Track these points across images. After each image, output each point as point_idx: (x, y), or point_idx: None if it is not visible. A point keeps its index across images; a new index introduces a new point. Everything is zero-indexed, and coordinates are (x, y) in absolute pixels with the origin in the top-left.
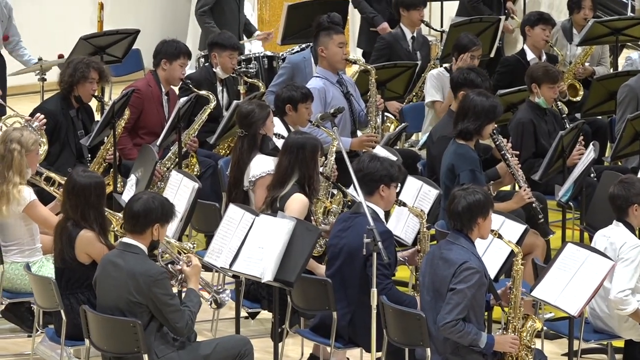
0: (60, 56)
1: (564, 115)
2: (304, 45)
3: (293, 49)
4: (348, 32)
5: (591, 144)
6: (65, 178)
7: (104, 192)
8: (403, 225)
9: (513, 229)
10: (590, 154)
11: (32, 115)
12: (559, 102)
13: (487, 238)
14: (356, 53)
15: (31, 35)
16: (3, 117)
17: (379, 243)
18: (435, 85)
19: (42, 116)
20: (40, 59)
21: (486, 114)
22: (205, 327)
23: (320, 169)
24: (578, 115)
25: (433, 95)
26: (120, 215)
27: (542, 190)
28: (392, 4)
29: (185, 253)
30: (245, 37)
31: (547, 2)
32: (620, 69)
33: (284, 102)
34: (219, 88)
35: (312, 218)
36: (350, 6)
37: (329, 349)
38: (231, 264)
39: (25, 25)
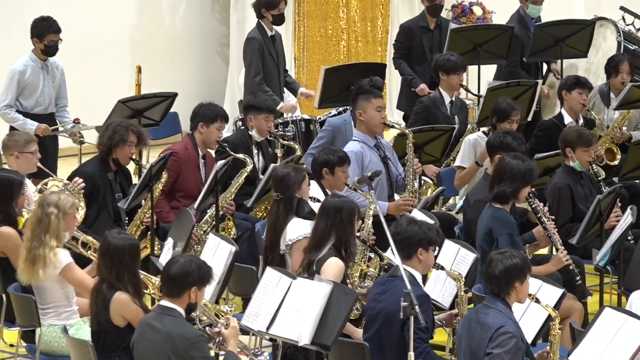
0: (76, 120)
1: (599, 179)
2: (340, 109)
3: (330, 112)
4: (385, 96)
5: (629, 207)
6: None
7: (139, 254)
8: (440, 288)
9: (550, 293)
10: (627, 217)
11: (70, 178)
12: (594, 166)
13: (525, 302)
14: (393, 115)
15: (69, 97)
16: (42, 181)
17: (417, 307)
18: (467, 151)
19: (81, 180)
20: (77, 122)
21: (522, 177)
22: None
23: (358, 233)
24: (616, 179)
25: (461, 161)
26: (157, 278)
27: (580, 254)
28: (432, 68)
29: (222, 316)
30: (291, 95)
31: (584, 67)
32: None
33: (320, 165)
34: (255, 151)
35: (348, 281)
36: (388, 69)
37: None
38: (268, 327)
39: None
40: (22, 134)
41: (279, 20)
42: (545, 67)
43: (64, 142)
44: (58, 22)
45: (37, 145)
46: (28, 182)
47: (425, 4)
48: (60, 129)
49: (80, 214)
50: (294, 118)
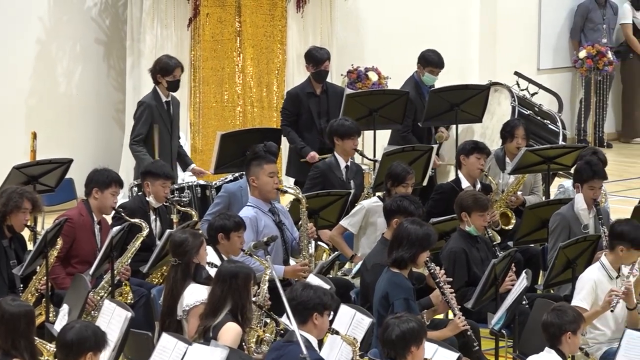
0: None
1: (494, 243)
2: (237, 174)
3: (226, 178)
4: (281, 160)
5: (523, 272)
6: None
7: (34, 321)
8: (336, 353)
9: (446, 357)
10: (522, 281)
11: None
12: (489, 230)
13: None
14: (289, 180)
15: None
16: None
17: None
18: (357, 216)
19: None
20: None
21: (420, 243)
22: None
23: (253, 298)
24: (510, 243)
25: (349, 224)
26: (52, 345)
27: (475, 318)
28: (327, 133)
29: None
30: (180, 169)
31: (479, 131)
32: (552, 197)
33: (216, 230)
34: (152, 217)
35: (244, 347)
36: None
37: None
38: None
39: None
40: None
41: (174, 86)
42: None
43: None
44: None
45: None
46: None
47: (310, 71)
48: None
49: None
50: (190, 184)
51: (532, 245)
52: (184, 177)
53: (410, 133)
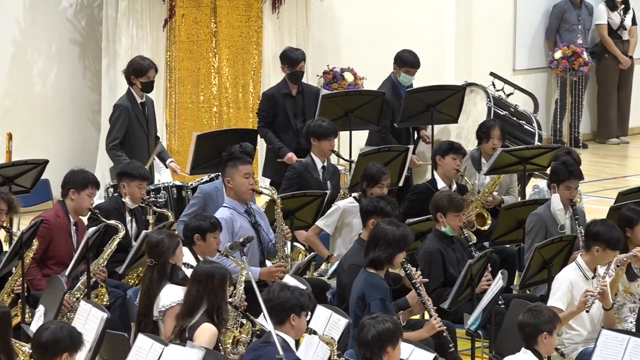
0: None
1: (470, 244)
2: (212, 175)
3: (202, 179)
4: (257, 161)
5: (499, 272)
6: None
7: (10, 322)
8: (313, 353)
9: (422, 358)
10: (498, 282)
11: None
12: (465, 231)
13: None
14: (265, 180)
15: None
16: None
17: None
18: (332, 217)
19: None
20: None
21: (397, 243)
22: None
23: (230, 299)
24: (486, 243)
25: (325, 225)
26: (28, 346)
27: (451, 318)
28: (303, 134)
29: None
30: (160, 164)
31: (455, 132)
32: (527, 197)
33: (192, 231)
34: (128, 218)
35: (220, 348)
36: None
37: None
38: None
39: None
40: None
41: (148, 87)
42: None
43: None
44: None
45: None
46: None
47: (286, 72)
48: None
49: None
50: (166, 185)
51: (508, 245)
52: (160, 178)
53: (389, 134)
